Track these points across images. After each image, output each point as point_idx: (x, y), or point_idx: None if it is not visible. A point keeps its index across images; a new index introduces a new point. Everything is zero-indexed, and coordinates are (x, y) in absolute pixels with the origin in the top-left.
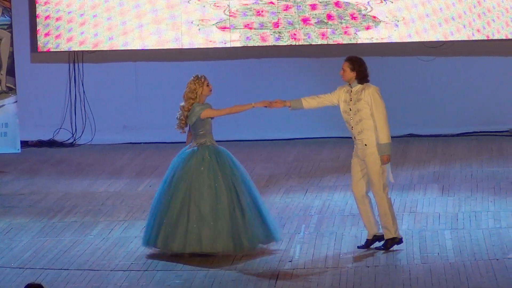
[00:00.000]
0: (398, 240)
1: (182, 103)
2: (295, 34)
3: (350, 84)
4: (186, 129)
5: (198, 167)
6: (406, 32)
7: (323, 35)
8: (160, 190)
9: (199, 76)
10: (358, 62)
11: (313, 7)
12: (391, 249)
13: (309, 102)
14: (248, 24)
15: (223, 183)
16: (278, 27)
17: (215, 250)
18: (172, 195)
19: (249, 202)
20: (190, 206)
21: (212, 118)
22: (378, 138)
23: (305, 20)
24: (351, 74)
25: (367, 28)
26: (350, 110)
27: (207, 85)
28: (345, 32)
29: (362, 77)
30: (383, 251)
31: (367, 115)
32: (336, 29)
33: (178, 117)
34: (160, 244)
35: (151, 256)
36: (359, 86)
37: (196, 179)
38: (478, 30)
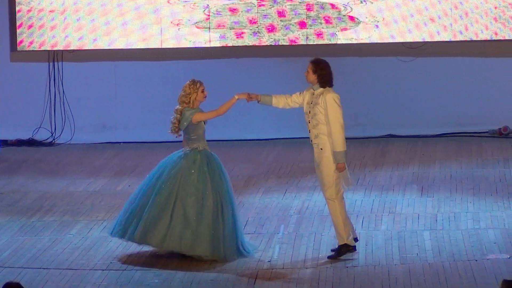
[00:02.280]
0: (352, 248)
1: (177, 106)
2: (275, 34)
3: (313, 87)
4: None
5: (189, 168)
6: (386, 32)
7: (303, 35)
8: (144, 185)
9: (195, 81)
10: (321, 66)
11: (293, 7)
12: (343, 257)
13: (278, 101)
14: (227, 24)
15: (211, 188)
16: (258, 27)
17: (194, 253)
18: (158, 191)
19: (230, 213)
20: (176, 204)
21: (204, 122)
22: (333, 145)
23: (285, 21)
24: (313, 77)
25: (347, 28)
26: (310, 112)
27: (202, 91)
28: (325, 32)
29: (324, 81)
30: (338, 257)
31: (322, 120)
32: (316, 29)
33: (172, 120)
34: (137, 236)
35: (130, 256)
36: (320, 90)
37: (185, 179)
38: (458, 32)
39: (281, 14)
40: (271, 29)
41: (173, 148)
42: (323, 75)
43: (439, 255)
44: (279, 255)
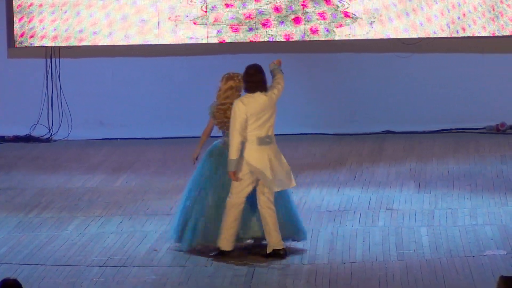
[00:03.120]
0: (223, 252)
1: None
2: (272, 30)
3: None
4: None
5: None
6: (383, 29)
7: (300, 31)
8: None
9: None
10: (245, 73)
11: (290, 3)
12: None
13: None
14: (225, 20)
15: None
16: (255, 23)
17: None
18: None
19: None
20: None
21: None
22: None
23: (282, 17)
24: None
25: (343, 25)
26: None
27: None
28: (322, 28)
29: (245, 88)
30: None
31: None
32: (312, 26)
33: None
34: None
35: (127, 252)
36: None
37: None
38: (456, 28)
39: (277, 10)
40: (268, 25)
41: (170, 145)
42: (245, 81)
43: (436, 251)
44: None
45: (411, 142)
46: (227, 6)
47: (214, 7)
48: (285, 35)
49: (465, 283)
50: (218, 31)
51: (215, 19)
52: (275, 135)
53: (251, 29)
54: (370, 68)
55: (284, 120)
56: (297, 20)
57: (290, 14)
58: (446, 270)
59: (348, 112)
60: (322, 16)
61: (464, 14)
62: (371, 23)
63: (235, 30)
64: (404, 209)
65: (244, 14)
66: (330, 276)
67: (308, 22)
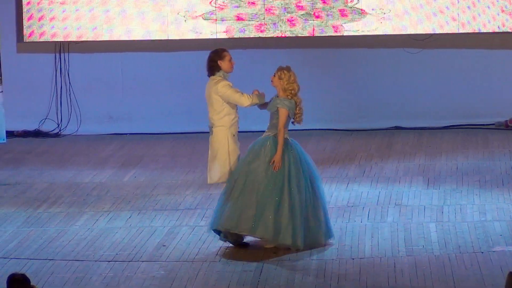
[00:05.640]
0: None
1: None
2: (281, 26)
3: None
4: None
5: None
6: (392, 24)
7: (309, 26)
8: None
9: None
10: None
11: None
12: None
13: None
14: (234, 16)
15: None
16: (264, 18)
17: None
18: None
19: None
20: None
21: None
22: None
23: (291, 12)
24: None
25: (354, 20)
26: None
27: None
28: (332, 24)
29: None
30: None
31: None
32: (322, 21)
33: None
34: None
35: (136, 247)
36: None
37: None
38: (465, 23)
39: (286, 5)
40: (276, 20)
41: (179, 140)
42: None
43: (445, 247)
44: None
45: (420, 138)
46: (236, 1)
47: (223, 2)
48: (294, 31)
49: (474, 279)
50: (227, 26)
51: (224, 15)
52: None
53: (259, 24)
54: (379, 63)
55: None
56: (307, 16)
57: (298, 10)
58: (455, 266)
59: (357, 107)
60: (331, 12)
61: (470, 9)
62: (381, 18)
63: (243, 25)
64: (413, 205)
65: (253, 9)
66: (339, 271)
67: (317, 17)
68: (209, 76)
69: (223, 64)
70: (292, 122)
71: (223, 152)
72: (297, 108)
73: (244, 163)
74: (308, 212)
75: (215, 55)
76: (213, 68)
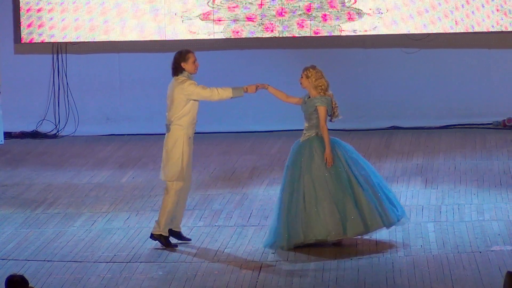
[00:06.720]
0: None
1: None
2: (278, 26)
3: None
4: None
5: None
6: (390, 24)
7: (306, 27)
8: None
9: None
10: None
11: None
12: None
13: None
14: (231, 16)
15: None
16: (261, 19)
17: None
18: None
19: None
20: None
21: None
22: None
23: (289, 12)
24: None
25: (351, 20)
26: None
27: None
28: (329, 24)
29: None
30: None
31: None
32: (320, 21)
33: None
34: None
35: (134, 248)
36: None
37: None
38: (462, 23)
39: (284, 6)
40: (274, 21)
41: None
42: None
43: (443, 247)
44: None
45: (418, 138)
46: (234, 1)
47: (220, 2)
48: (292, 31)
49: (472, 279)
50: (224, 27)
51: (222, 15)
52: (283, 130)
53: (257, 25)
54: (376, 63)
55: (291, 115)
56: (304, 16)
57: (297, 10)
58: (453, 266)
59: (355, 107)
60: (329, 12)
61: (467, 6)
62: (378, 18)
63: (241, 26)
64: (411, 204)
65: (250, 10)
66: (337, 271)
67: (315, 17)
68: (173, 76)
69: (187, 66)
70: (330, 120)
71: (176, 151)
72: (333, 103)
73: (297, 168)
74: (380, 193)
75: (180, 56)
76: (177, 69)
